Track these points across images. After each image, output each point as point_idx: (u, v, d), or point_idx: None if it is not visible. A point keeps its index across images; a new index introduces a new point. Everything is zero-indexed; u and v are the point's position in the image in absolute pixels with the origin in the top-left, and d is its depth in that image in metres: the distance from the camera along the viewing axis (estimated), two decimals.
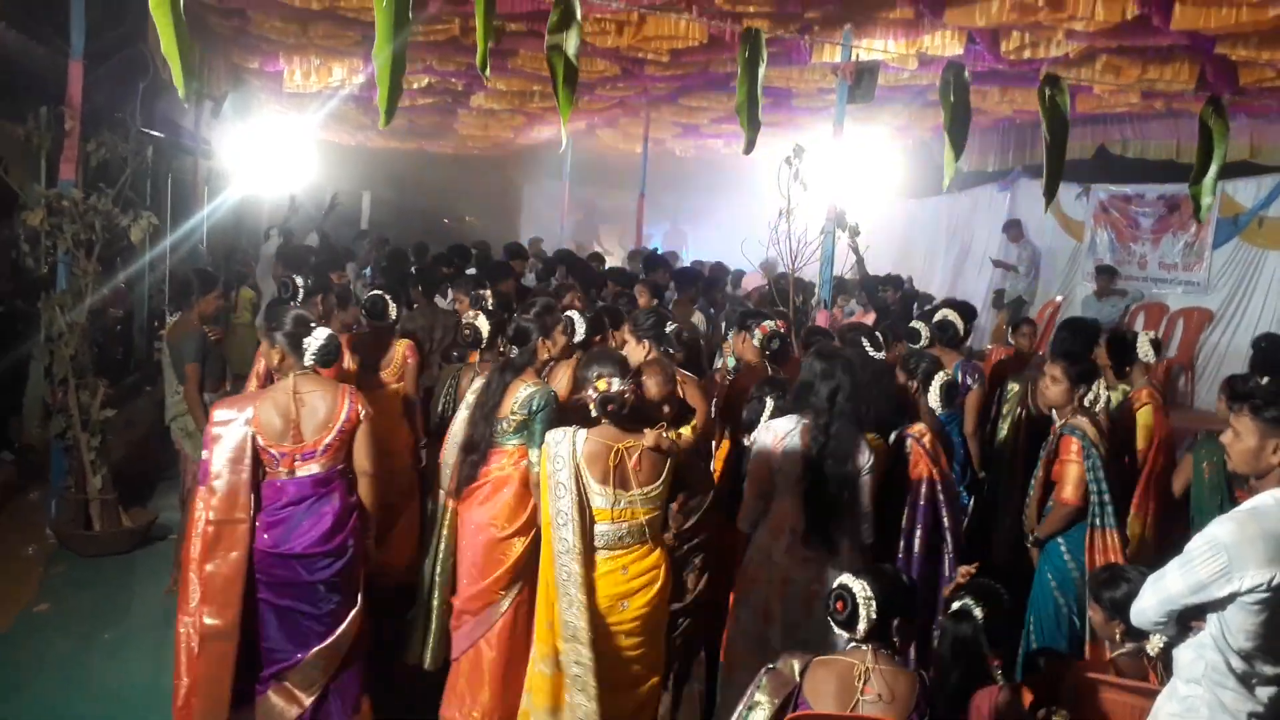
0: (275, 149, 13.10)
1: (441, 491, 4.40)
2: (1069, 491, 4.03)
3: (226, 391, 5.32)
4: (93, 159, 5.87)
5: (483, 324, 4.54)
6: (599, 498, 3.42)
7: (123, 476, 6.67)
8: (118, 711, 4.30)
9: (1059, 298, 11.41)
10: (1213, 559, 2.48)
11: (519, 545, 3.96)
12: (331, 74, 10.40)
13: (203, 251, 11.65)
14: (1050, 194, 2.01)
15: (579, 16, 1.75)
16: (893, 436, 4.22)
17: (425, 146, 17.43)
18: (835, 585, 2.89)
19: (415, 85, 10.92)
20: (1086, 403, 4.20)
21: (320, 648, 3.69)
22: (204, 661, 3.63)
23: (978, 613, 2.99)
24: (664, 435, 3.44)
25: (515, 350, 4.16)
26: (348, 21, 7.67)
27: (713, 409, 4.62)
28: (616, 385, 3.38)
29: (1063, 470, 4.08)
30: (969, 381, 5.35)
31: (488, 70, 1.62)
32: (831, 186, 7.04)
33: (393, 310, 5.30)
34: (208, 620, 3.63)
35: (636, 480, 3.41)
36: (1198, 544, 2.55)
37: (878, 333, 5.28)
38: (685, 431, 3.61)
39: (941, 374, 4.42)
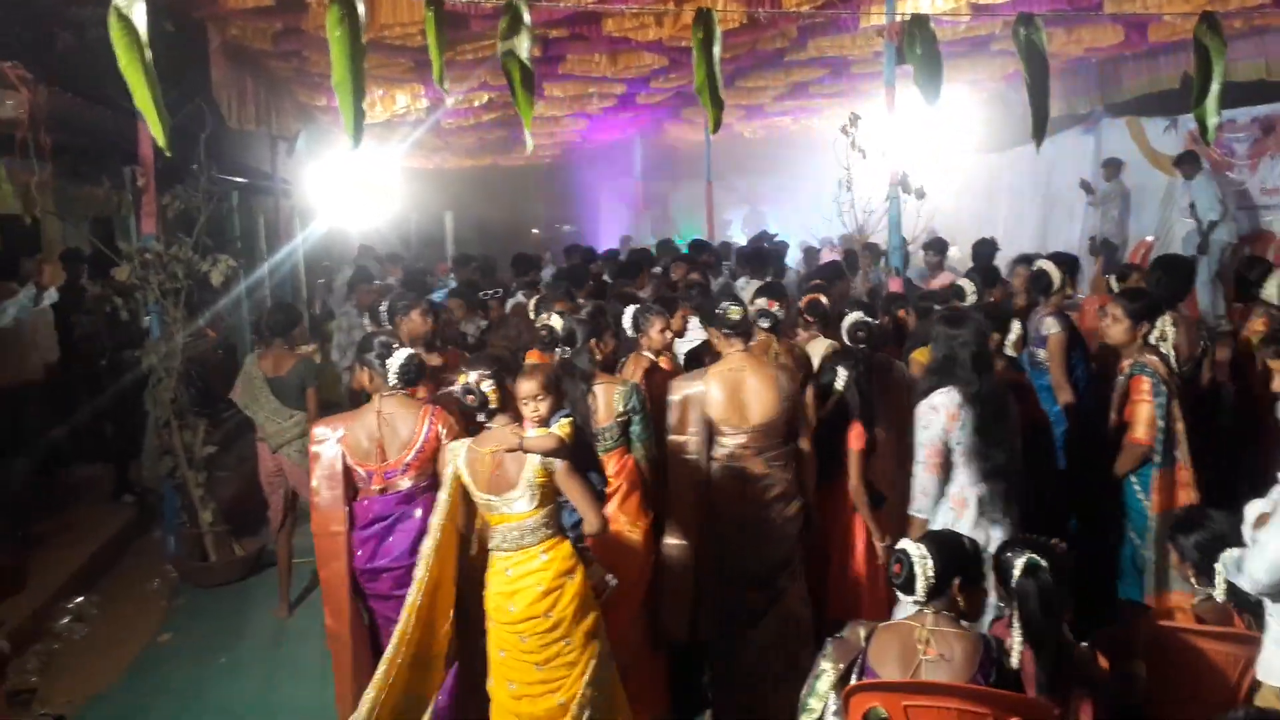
0: (354, 180, 13.54)
1: None
2: (1141, 431, 3.97)
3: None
4: (169, 211, 6.19)
5: (557, 323, 4.49)
6: (482, 503, 3.44)
7: (235, 508, 7.04)
8: None
9: (1150, 238, 10.90)
10: None
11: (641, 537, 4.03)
12: (395, 101, 10.71)
13: (299, 284, 12.17)
14: (1039, 136, 1.94)
15: (528, 21, 1.78)
16: None
17: (499, 161, 17.73)
18: (895, 549, 2.89)
19: (476, 103, 11.14)
20: (1152, 339, 4.08)
21: None
22: (335, 663, 4.00)
23: (1044, 563, 2.90)
24: (517, 432, 3.35)
25: (569, 353, 4.19)
26: (396, 50, 7.88)
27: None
28: (473, 378, 3.38)
29: (1134, 410, 4.02)
30: (1043, 331, 5.20)
31: (445, 84, 1.67)
32: (894, 150, 6.88)
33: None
34: (329, 622, 3.99)
35: (499, 484, 3.36)
36: None
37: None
38: (560, 429, 3.36)
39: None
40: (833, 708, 2.88)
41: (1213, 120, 1.77)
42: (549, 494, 3.36)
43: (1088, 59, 11.07)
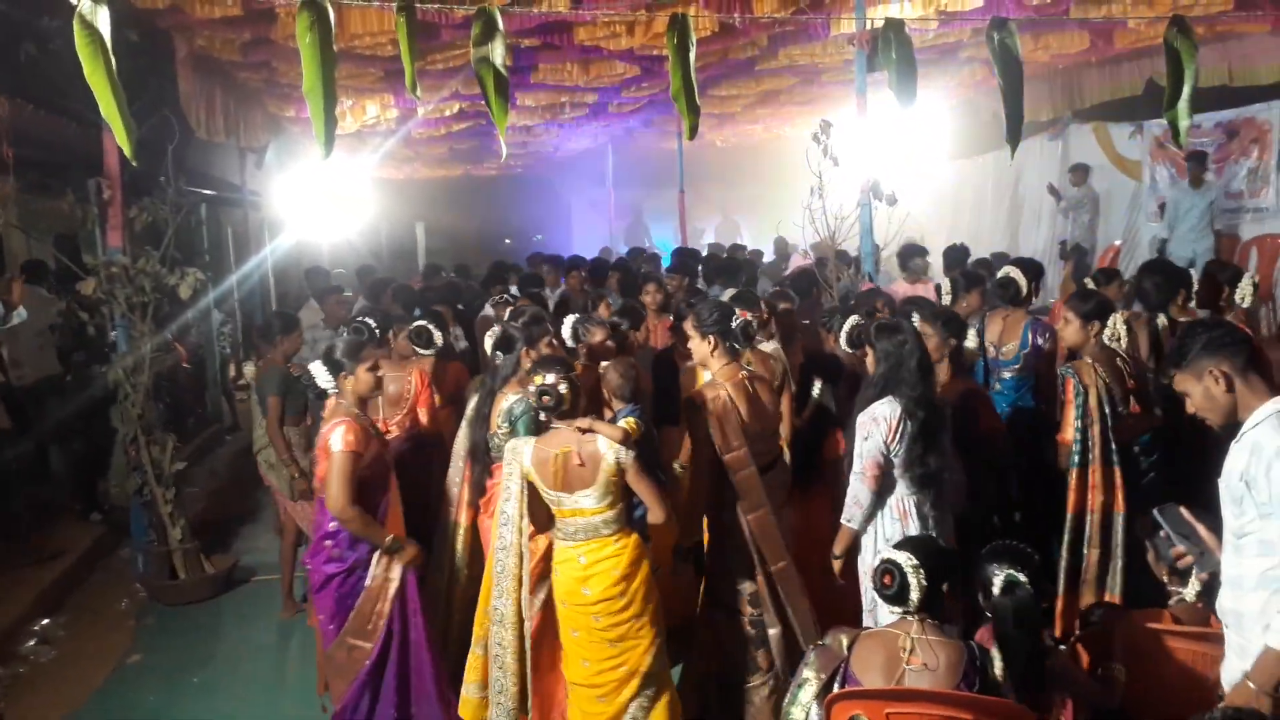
0: (324, 192, 13.43)
1: (452, 508, 4.48)
2: (1068, 432, 4.15)
3: (308, 426, 5.46)
4: (136, 224, 6.10)
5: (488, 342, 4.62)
6: (552, 501, 3.63)
7: (206, 525, 6.94)
8: None
9: (1118, 241, 11.04)
10: None
11: (543, 541, 3.98)
12: (365, 111, 10.65)
13: (269, 297, 12.04)
14: (1013, 141, 1.94)
15: (501, 27, 1.76)
16: None
17: (471, 171, 17.70)
18: (882, 560, 2.86)
19: (447, 112, 11.10)
20: (1106, 338, 4.18)
21: None
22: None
23: (1023, 579, 2.89)
24: (593, 424, 3.56)
25: (500, 359, 4.26)
26: (366, 59, 7.84)
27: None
28: (550, 379, 3.55)
29: (1065, 411, 4.19)
30: (1039, 341, 5.20)
31: (418, 91, 1.64)
32: (865, 158, 6.92)
33: (438, 337, 5.36)
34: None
35: (578, 482, 3.56)
36: None
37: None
38: (628, 424, 3.60)
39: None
40: (815, 717, 2.87)
41: (1184, 123, 1.78)
42: (621, 491, 3.60)
43: (1054, 65, 11.20)
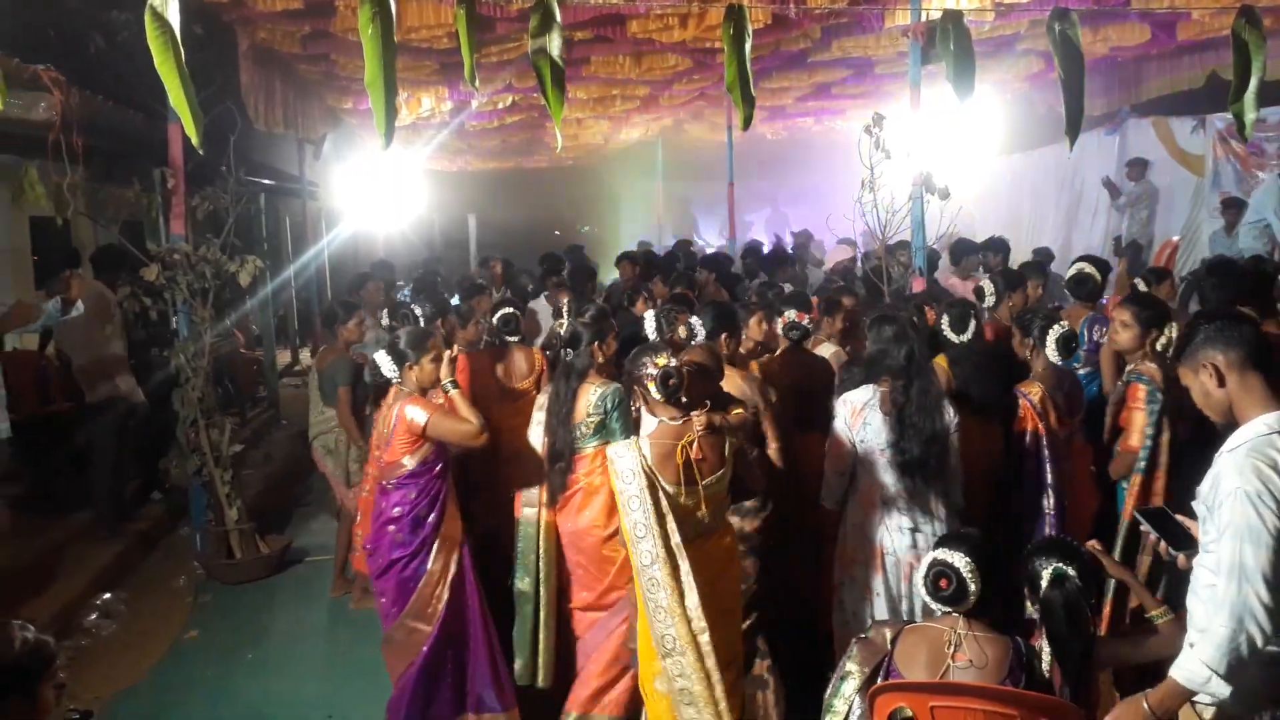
0: (379, 183, 13.64)
1: (525, 506, 4.35)
2: (1135, 439, 3.94)
3: (366, 415, 5.56)
4: (198, 212, 6.27)
5: (563, 329, 4.61)
6: (676, 497, 3.35)
7: (262, 507, 7.11)
8: None
9: (1176, 238, 10.80)
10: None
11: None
12: (421, 104, 10.78)
13: (325, 285, 12.28)
14: (1073, 134, 1.92)
15: (558, 18, 1.79)
16: None
17: (522, 163, 17.81)
18: (933, 563, 2.80)
19: (500, 105, 11.19)
20: (1159, 346, 4.03)
21: None
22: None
23: (1072, 572, 2.87)
24: (713, 415, 3.40)
25: (572, 355, 4.21)
26: (422, 52, 7.93)
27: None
28: (672, 361, 3.36)
29: (1130, 416, 3.99)
30: (1096, 338, 5.15)
31: (476, 82, 1.68)
32: (918, 151, 6.86)
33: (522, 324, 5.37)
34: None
35: (705, 470, 3.37)
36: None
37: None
38: (740, 411, 3.60)
39: (1057, 326, 4.28)
40: (858, 711, 2.86)
41: (1250, 115, 1.75)
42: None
43: (1112, 58, 10.98)
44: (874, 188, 7.15)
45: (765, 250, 10.07)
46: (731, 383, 3.98)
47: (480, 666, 4.05)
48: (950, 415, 3.69)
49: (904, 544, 3.68)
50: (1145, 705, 2.45)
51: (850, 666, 2.89)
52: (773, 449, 4.11)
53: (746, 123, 1.84)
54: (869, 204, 7.25)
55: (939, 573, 2.76)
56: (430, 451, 3.95)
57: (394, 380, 4.05)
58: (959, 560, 2.74)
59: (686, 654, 3.21)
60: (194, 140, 1.69)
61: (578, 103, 11.19)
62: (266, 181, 10.16)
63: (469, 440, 3.93)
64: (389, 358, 4.03)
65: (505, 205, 18.97)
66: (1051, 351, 4.24)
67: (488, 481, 4.69)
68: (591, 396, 4.08)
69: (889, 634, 2.89)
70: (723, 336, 4.19)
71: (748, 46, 1.71)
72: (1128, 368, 4.15)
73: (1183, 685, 2.37)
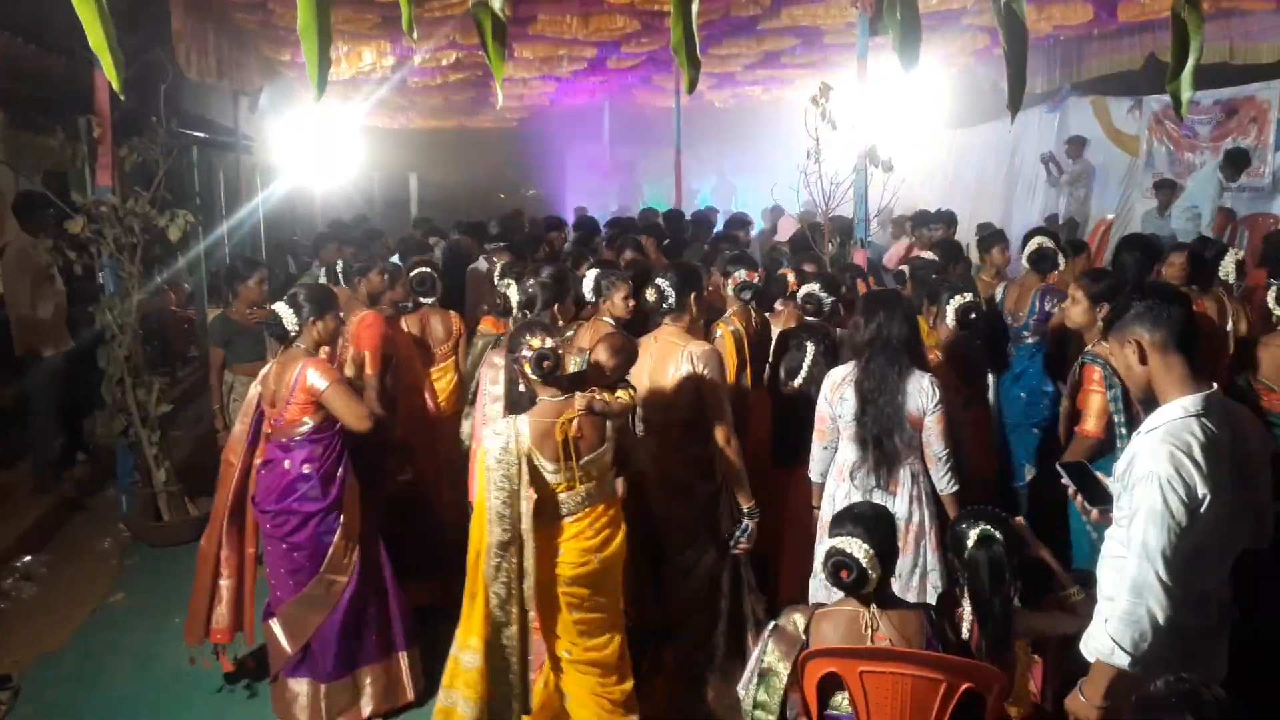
0: (318, 139, 13.29)
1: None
2: (1091, 423, 3.94)
3: None
4: (126, 163, 6.03)
5: (513, 293, 4.56)
6: (554, 474, 3.41)
7: (192, 468, 6.94)
8: (188, 690, 4.49)
9: (1110, 215, 11.04)
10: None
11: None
12: (362, 58, 10.49)
13: (259, 243, 11.96)
14: (1014, 108, 1.93)
15: None
16: None
17: (465, 123, 17.49)
18: (831, 551, 2.79)
19: (444, 61, 10.95)
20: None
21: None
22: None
23: (998, 535, 2.95)
24: (596, 397, 3.44)
25: (530, 317, 4.17)
26: (365, 4, 7.72)
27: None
28: (549, 343, 3.37)
29: (1086, 399, 3.97)
30: (1048, 308, 5.31)
31: (415, 34, 1.62)
32: (864, 123, 6.88)
33: (439, 286, 5.51)
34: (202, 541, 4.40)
35: (584, 447, 3.43)
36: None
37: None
38: (623, 395, 3.55)
39: (958, 298, 4.40)
40: (792, 713, 2.87)
41: (1186, 95, 1.77)
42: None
43: (1054, 37, 11.12)
44: (819, 159, 7.17)
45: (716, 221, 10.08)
46: (677, 352, 3.98)
47: (398, 611, 4.24)
48: (926, 396, 3.68)
49: None
50: (1083, 698, 2.50)
51: (771, 661, 2.85)
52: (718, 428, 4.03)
53: (691, 85, 1.80)
54: (814, 175, 7.27)
55: (838, 563, 2.77)
56: (329, 413, 4.00)
57: (291, 334, 4.04)
58: (857, 549, 2.75)
59: (512, 628, 3.37)
60: (114, 85, 1.60)
61: (524, 62, 11.01)
62: (199, 134, 9.84)
63: (354, 423, 3.94)
64: (290, 310, 4.02)
65: (448, 165, 18.66)
66: (950, 320, 4.57)
67: (406, 442, 4.86)
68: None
69: (801, 621, 2.89)
70: (691, 296, 4.16)
71: (695, 7, 1.68)
72: (1085, 348, 4.14)
73: (1102, 661, 2.44)
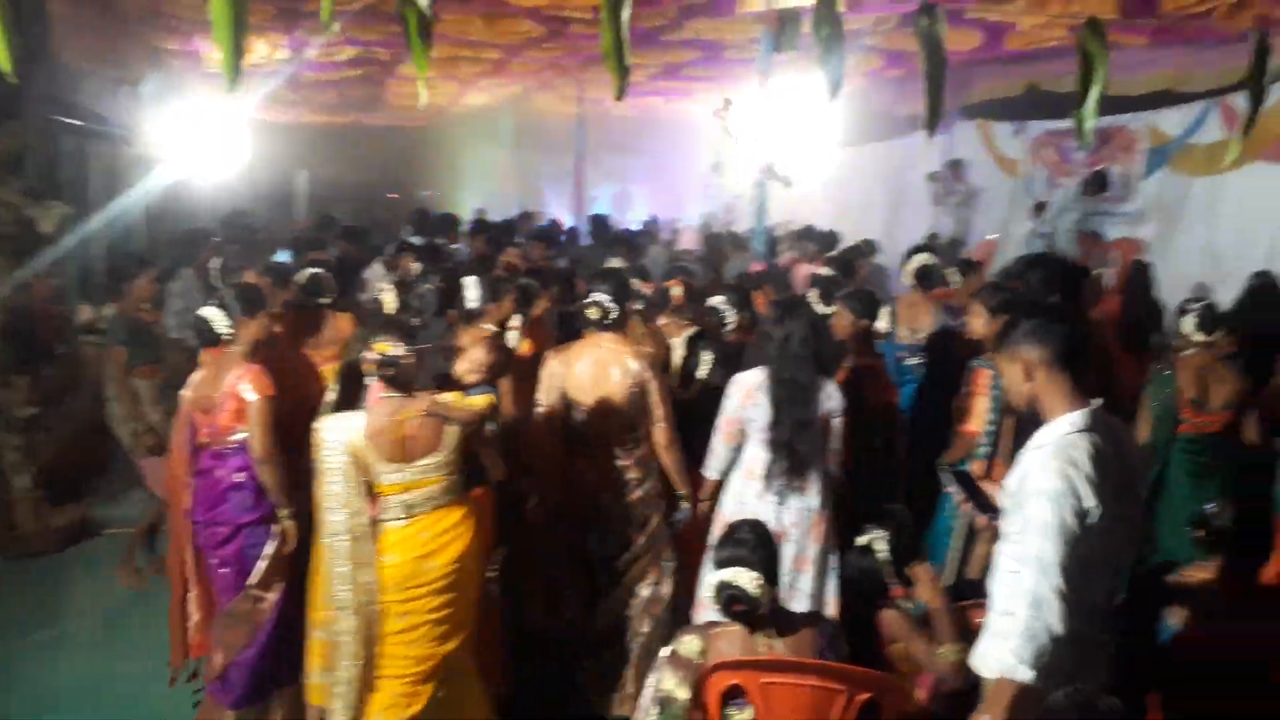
0: (204, 132, 12.75)
1: None
2: (974, 423, 4.14)
3: (165, 378, 5.35)
4: None
5: (389, 299, 4.55)
6: (387, 475, 3.38)
7: (57, 474, 6.53)
8: (55, 713, 4.21)
9: (992, 236, 11.50)
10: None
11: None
12: (254, 50, 10.14)
13: (139, 239, 11.40)
14: (931, 126, 1.99)
15: None
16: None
17: (361, 120, 17.09)
18: (721, 585, 2.78)
19: (341, 57, 10.69)
20: None
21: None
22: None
23: (880, 545, 3.05)
24: (437, 400, 3.43)
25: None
26: None
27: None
28: (399, 350, 3.36)
29: (970, 402, 4.19)
30: (953, 323, 5.44)
31: (335, 26, 1.55)
32: (764, 138, 7.00)
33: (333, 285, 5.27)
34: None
35: (417, 450, 3.38)
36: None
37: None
38: (479, 401, 3.51)
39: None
40: None
41: (1089, 123, 1.85)
42: (463, 455, 3.47)
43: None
44: (720, 172, 7.27)
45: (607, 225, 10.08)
46: (625, 353, 4.02)
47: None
48: (832, 402, 3.87)
49: (771, 515, 3.81)
50: (985, 718, 2.47)
51: (670, 687, 2.81)
52: (660, 428, 4.08)
53: (620, 92, 1.79)
54: (714, 187, 7.37)
55: (730, 597, 2.76)
56: None
57: (223, 337, 3.88)
58: (745, 581, 2.74)
59: (352, 618, 3.39)
60: (4, 65, 1.47)
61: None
62: (76, 122, 9.32)
63: (254, 450, 3.79)
64: (221, 313, 3.88)
65: (340, 162, 18.16)
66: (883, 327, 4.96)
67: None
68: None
69: (697, 644, 2.86)
70: (626, 304, 4.20)
71: (625, 13, 1.66)
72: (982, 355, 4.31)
73: (1005, 679, 2.42)
